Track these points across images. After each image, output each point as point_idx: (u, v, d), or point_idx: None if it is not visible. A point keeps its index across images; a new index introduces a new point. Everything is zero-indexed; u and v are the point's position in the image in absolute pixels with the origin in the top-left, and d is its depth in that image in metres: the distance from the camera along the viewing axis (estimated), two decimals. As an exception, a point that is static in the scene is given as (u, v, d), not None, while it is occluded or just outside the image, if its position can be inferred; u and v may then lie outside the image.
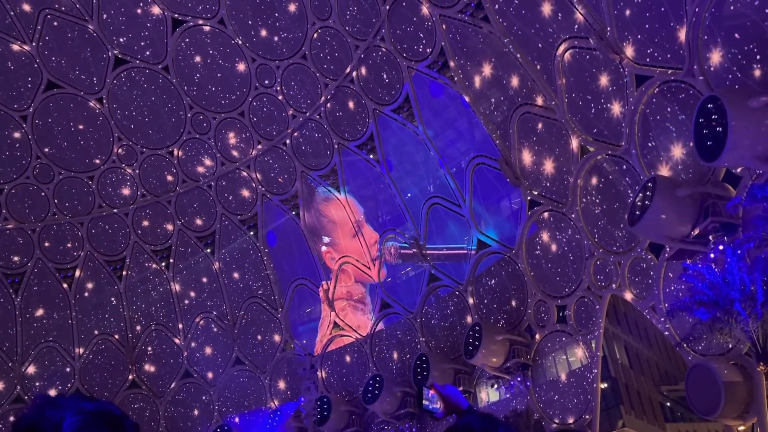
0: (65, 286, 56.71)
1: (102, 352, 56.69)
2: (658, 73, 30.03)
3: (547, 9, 34.03)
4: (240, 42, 50.43)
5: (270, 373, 53.42)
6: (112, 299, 57.18)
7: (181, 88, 53.01)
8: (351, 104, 47.91)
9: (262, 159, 53.42)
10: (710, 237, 28.31)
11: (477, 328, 40.25)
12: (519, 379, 39.89)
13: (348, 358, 50.87)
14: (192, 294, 56.53)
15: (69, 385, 55.61)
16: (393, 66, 44.29)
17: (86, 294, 57.06)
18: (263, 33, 49.64)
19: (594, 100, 33.96)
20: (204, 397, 55.25)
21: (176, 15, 50.64)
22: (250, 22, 49.75)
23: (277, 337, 53.91)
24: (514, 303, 41.48)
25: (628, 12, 30.41)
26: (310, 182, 52.23)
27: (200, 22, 50.56)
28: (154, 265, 56.93)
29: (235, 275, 55.60)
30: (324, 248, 52.86)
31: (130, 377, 56.01)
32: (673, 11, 28.56)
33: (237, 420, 52.91)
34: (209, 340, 55.61)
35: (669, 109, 30.31)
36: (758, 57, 25.83)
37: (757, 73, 25.91)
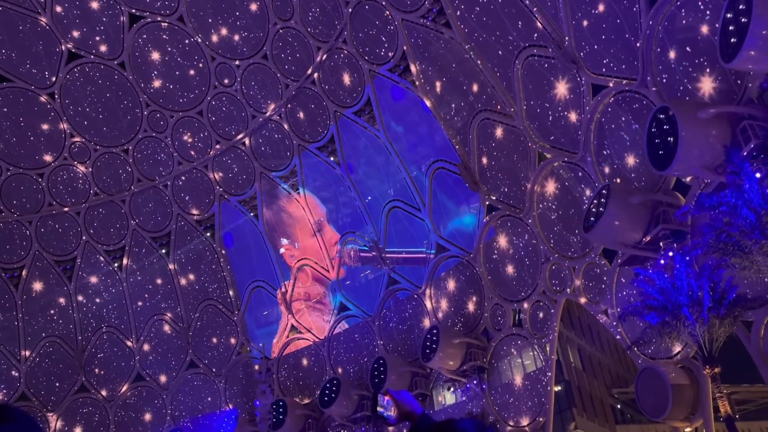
0: (11, 286, 54.76)
1: (50, 355, 54.85)
2: (613, 83, 30.81)
3: (507, 17, 34.54)
4: (199, 40, 49.66)
5: (225, 377, 52.61)
6: (62, 300, 55.45)
7: (138, 85, 51.87)
8: (312, 105, 47.68)
9: (221, 159, 52.67)
10: (661, 243, 29.17)
11: (434, 331, 40.47)
12: (475, 381, 40.27)
13: (305, 362, 50.48)
14: (146, 295, 55.26)
15: (14, 389, 53.68)
16: (355, 68, 44.26)
17: (34, 295, 55.18)
18: (223, 31, 49.00)
19: (552, 107, 34.60)
20: (156, 401, 53.99)
21: (134, 10, 49.58)
22: (210, 20, 49.04)
23: (233, 340, 53.13)
24: (471, 306, 41.87)
25: (585, 23, 31.10)
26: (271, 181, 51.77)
27: (158, 18, 49.59)
28: (107, 265, 55.51)
29: (191, 277, 54.61)
30: (282, 250, 52.40)
31: (80, 381, 54.37)
32: (628, 24, 29.35)
33: (190, 424, 51.87)
34: (163, 343, 54.42)
35: (623, 119, 31.10)
36: (708, 70, 26.73)
37: (707, 85, 26.82)
